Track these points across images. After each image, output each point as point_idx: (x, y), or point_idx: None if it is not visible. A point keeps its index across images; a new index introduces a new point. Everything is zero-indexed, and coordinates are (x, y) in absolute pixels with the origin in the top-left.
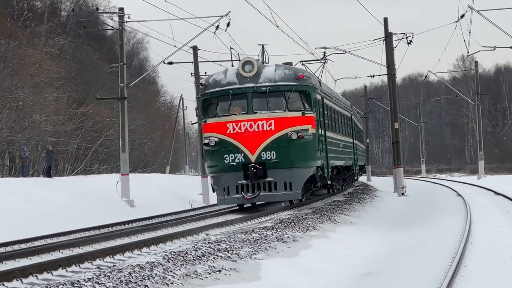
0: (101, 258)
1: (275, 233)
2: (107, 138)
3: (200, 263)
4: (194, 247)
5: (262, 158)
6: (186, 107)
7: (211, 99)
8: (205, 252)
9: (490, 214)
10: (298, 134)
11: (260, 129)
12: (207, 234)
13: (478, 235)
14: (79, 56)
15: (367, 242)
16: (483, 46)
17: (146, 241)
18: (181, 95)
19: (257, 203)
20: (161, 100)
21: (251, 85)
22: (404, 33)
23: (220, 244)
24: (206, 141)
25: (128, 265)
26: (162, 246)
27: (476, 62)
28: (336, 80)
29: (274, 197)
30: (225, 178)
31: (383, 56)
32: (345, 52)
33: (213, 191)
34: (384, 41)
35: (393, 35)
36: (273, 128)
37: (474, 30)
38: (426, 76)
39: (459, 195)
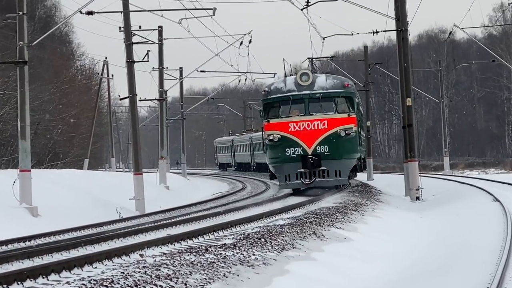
0: None
1: (237, 253)
2: (0, 120)
3: None
4: (123, 273)
5: (317, 151)
6: (113, 75)
7: (273, 103)
8: (138, 280)
9: None
10: (346, 132)
11: (316, 127)
12: (141, 255)
13: None
14: None
15: (366, 266)
16: None
17: (56, 265)
18: (106, 58)
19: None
20: (77, 65)
21: (307, 92)
22: None
23: (160, 269)
24: (271, 137)
25: None
26: (77, 272)
27: None
28: (324, 38)
29: (327, 182)
30: (286, 167)
31: (390, 5)
32: None
33: (270, 179)
34: None
35: None
36: (326, 127)
37: None
38: (450, 33)
39: (496, 199)
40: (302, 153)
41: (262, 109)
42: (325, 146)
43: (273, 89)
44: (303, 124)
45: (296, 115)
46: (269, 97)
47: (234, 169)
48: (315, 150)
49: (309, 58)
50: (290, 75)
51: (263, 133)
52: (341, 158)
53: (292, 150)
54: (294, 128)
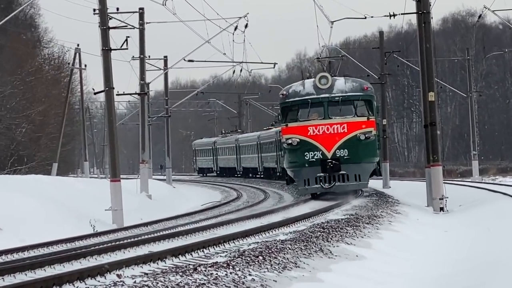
0: None
1: (231, 273)
2: None
3: None
4: None
5: (337, 155)
6: (86, 65)
7: (292, 106)
8: None
9: None
10: (365, 135)
11: (335, 131)
12: (119, 276)
13: None
14: None
15: None
16: None
17: None
18: (78, 45)
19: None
20: (44, 54)
21: (327, 95)
22: None
23: None
24: (289, 141)
25: None
26: None
27: None
28: (332, 23)
29: (347, 187)
30: (305, 172)
31: None
32: None
33: (287, 183)
34: None
35: None
36: (345, 131)
37: None
38: (480, 16)
39: None
40: (321, 157)
41: (280, 112)
42: (345, 150)
43: (291, 92)
44: (322, 128)
45: (315, 118)
46: (287, 100)
47: (215, 174)
48: (335, 154)
49: (317, 58)
50: (308, 78)
51: (281, 137)
52: (360, 162)
53: (311, 154)
54: (313, 131)
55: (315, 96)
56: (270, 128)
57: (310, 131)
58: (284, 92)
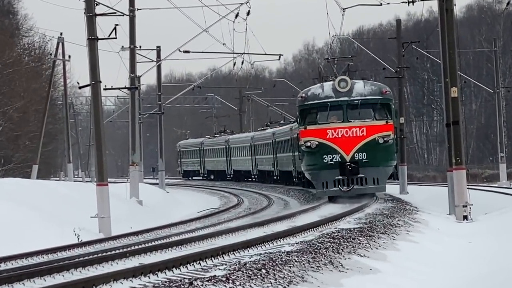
0: None
1: None
2: None
3: None
4: None
5: (355, 158)
6: (70, 56)
7: (311, 109)
8: None
9: None
10: (384, 139)
11: (354, 134)
12: None
13: None
14: None
15: None
16: None
17: None
18: (61, 34)
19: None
20: (23, 43)
21: (346, 98)
22: None
23: None
24: (308, 144)
25: None
26: None
27: None
28: (344, 10)
29: (365, 190)
30: (323, 174)
31: None
32: None
33: (303, 187)
34: None
35: None
36: (364, 134)
37: None
38: (508, 3)
39: None
40: (340, 160)
41: (298, 115)
42: (364, 153)
43: (310, 95)
44: (341, 131)
45: (334, 121)
46: (306, 103)
47: (202, 178)
48: (353, 157)
49: (326, 59)
50: (326, 81)
51: (299, 139)
52: (379, 165)
53: (330, 157)
54: (332, 134)
55: (334, 99)
56: (265, 129)
57: (329, 134)
58: (303, 95)
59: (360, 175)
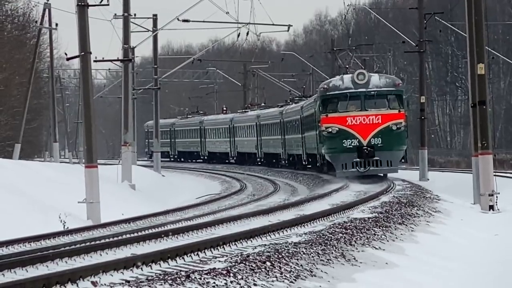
0: None
1: (232, 282)
2: None
3: None
4: None
5: (372, 143)
6: (57, 24)
7: (332, 99)
8: None
9: None
10: (397, 126)
11: (370, 122)
12: (94, 283)
13: None
14: None
15: None
16: None
17: None
18: (47, 0)
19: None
20: (5, 10)
21: (363, 90)
22: None
23: None
24: (329, 129)
25: None
26: None
27: None
28: None
29: (380, 171)
30: (343, 157)
31: None
32: None
33: (321, 171)
34: None
35: None
36: (379, 121)
37: None
38: None
39: None
40: (358, 144)
41: (320, 103)
42: (379, 138)
43: (332, 86)
44: (359, 119)
45: (352, 110)
46: (327, 93)
47: (171, 159)
48: (370, 142)
49: (332, 50)
50: (345, 73)
51: (320, 126)
52: (392, 149)
53: (349, 141)
54: (351, 122)
55: (353, 90)
56: (246, 111)
57: (349, 121)
58: (325, 86)
59: (375, 158)
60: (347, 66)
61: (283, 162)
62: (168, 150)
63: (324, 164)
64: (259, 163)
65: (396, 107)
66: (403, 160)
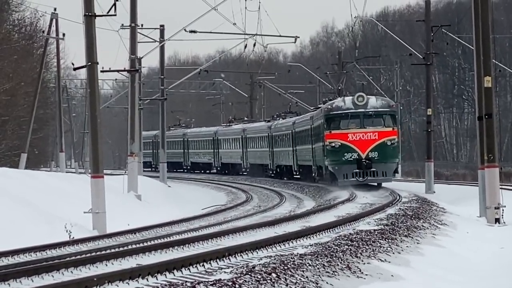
0: None
1: None
2: None
3: None
4: None
5: (369, 156)
6: (64, 34)
7: (335, 117)
8: None
9: None
10: (391, 142)
11: (368, 138)
12: None
13: None
14: None
15: None
16: None
17: None
18: (55, 10)
19: None
20: (13, 19)
21: (362, 110)
22: None
23: None
24: (333, 144)
25: None
26: None
27: None
28: None
29: (376, 180)
30: (344, 168)
31: None
32: None
33: (324, 179)
34: None
35: None
36: (376, 137)
37: None
38: None
39: None
40: (357, 157)
41: (324, 121)
42: (375, 152)
43: (335, 107)
44: (358, 135)
45: (353, 127)
46: (331, 113)
47: (152, 170)
48: (368, 155)
49: (327, 73)
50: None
51: (324, 141)
52: (387, 162)
53: (350, 155)
54: (352, 137)
55: (353, 111)
56: (230, 125)
57: (349, 137)
58: (329, 106)
59: (372, 169)
60: (339, 87)
61: (270, 172)
62: (150, 161)
63: (326, 174)
64: (272, 175)
65: (390, 125)
66: (396, 173)
